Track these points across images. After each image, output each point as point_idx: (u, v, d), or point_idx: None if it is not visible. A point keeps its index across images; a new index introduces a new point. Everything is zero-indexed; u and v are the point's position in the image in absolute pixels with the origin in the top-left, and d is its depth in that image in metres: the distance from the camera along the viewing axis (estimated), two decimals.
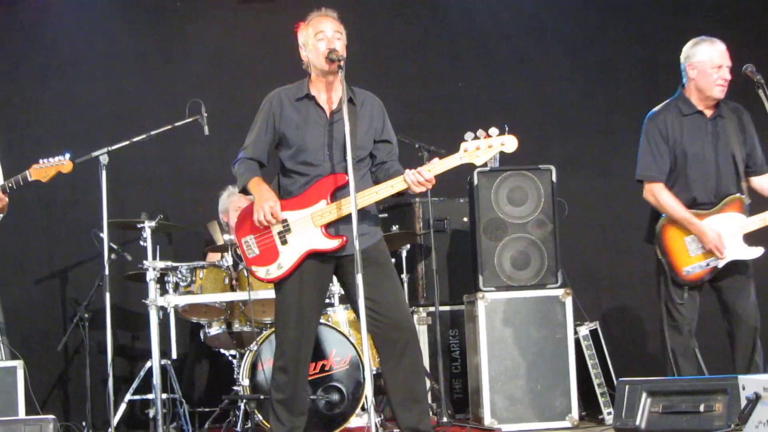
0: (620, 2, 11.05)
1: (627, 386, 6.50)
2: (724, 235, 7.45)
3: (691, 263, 7.54)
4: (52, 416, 5.88)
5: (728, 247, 7.45)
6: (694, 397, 6.22)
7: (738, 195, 7.56)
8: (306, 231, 6.78)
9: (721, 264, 7.48)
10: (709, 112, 7.67)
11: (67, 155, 7.47)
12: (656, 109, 7.84)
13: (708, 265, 7.50)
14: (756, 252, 7.50)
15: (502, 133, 6.57)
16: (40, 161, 7.38)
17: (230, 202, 9.23)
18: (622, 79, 10.76)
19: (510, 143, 6.60)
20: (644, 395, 6.38)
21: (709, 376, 7.33)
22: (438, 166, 6.60)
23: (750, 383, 5.37)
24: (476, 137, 6.54)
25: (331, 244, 6.74)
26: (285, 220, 6.79)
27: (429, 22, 10.88)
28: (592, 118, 10.81)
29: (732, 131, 7.61)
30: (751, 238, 7.43)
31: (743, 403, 5.42)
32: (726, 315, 7.68)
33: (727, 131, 7.63)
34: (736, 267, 7.54)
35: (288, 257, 6.82)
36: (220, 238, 9.11)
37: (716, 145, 7.62)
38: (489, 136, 6.55)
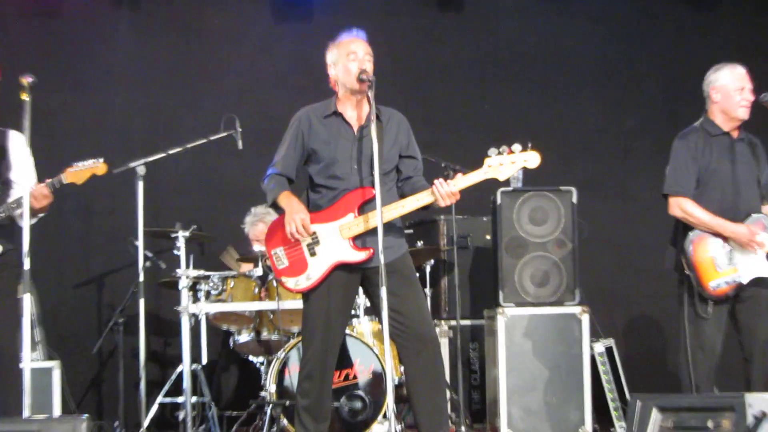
0: (641, 33, 11.10)
1: (639, 401, 6.52)
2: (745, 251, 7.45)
3: (717, 278, 7.45)
4: (85, 415, 5.91)
5: (749, 264, 7.43)
6: (702, 413, 6.22)
7: (762, 215, 7.52)
8: (334, 243, 6.79)
9: (745, 280, 7.41)
10: (735, 134, 7.66)
11: (101, 159, 7.29)
12: (685, 130, 7.77)
13: (734, 281, 7.42)
14: None
15: (524, 149, 6.65)
16: (74, 164, 7.22)
17: (257, 233, 9.31)
18: (641, 105, 10.81)
19: (532, 159, 6.65)
20: (655, 411, 6.37)
21: (718, 394, 7.37)
22: (463, 180, 6.66)
23: (756, 401, 5.40)
24: (500, 153, 6.62)
25: (358, 256, 6.75)
26: (314, 233, 6.79)
27: (457, 46, 10.94)
28: (612, 143, 10.86)
29: (754, 155, 7.63)
30: None
31: (749, 419, 5.45)
32: (742, 335, 7.60)
33: (751, 154, 7.64)
34: (758, 288, 7.48)
35: (317, 269, 6.82)
36: (235, 265, 9.20)
37: (742, 165, 7.58)
38: (512, 152, 6.63)
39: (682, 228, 7.62)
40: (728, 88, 7.57)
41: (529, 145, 6.63)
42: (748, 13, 11.20)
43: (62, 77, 10.14)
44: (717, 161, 7.56)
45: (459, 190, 6.63)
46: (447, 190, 6.57)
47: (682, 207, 7.57)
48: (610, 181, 10.47)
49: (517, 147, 6.62)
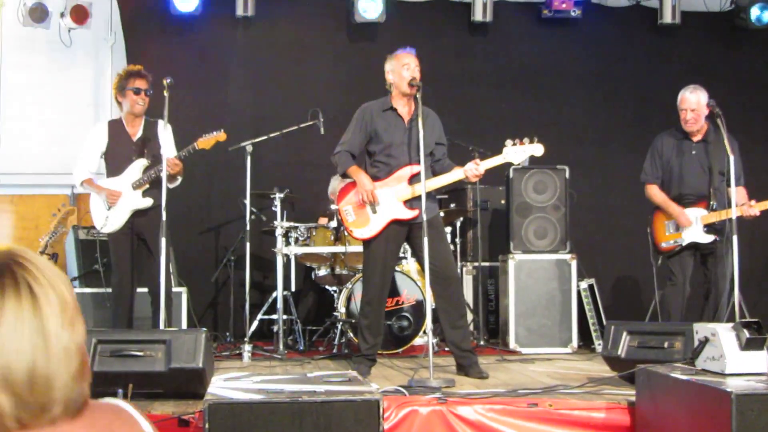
0: (619, 53, 10.95)
1: (612, 326, 6.45)
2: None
3: (665, 240, 7.68)
4: (204, 328, 5.89)
5: (689, 231, 7.59)
6: (660, 336, 6.18)
7: (706, 196, 7.62)
8: (391, 204, 6.90)
9: (684, 243, 7.61)
10: (696, 138, 7.74)
11: (222, 129, 7.57)
12: (660, 134, 7.98)
13: (675, 242, 7.62)
14: (709, 238, 7.58)
15: (531, 142, 6.81)
16: (203, 135, 7.48)
17: (336, 186, 9.20)
18: (619, 106, 10.68)
19: (538, 149, 6.84)
20: (625, 333, 6.33)
21: (671, 322, 7.32)
22: (488, 162, 6.82)
23: (701, 329, 5.28)
24: (514, 144, 6.77)
25: (410, 213, 6.88)
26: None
27: (482, 61, 10.83)
28: (596, 134, 10.72)
29: (713, 152, 7.58)
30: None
31: (696, 343, 5.35)
32: (705, 280, 7.75)
33: (708, 152, 7.65)
34: (714, 248, 7.59)
35: (378, 222, 6.93)
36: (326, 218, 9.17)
37: (697, 161, 7.69)
38: (523, 143, 6.79)
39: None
40: (679, 108, 7.74)
41: (535, 138, 6.79)
42: (700, 40, 11.04)
43: (191, 78, 10.06)
44: (679, 158, 7.72)
45: (484, 169, 6.76)
46: (475, 171, 6.73)
47: (649, 190, 7.86)
48: (594, 162, 10.35)
49: (526, 140, 6.78)
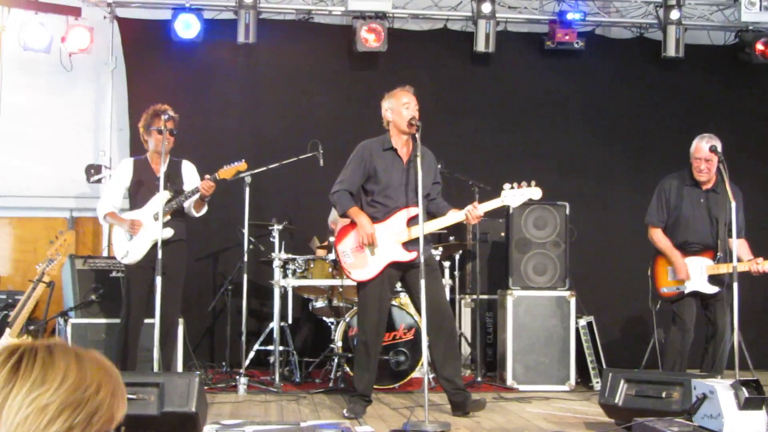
0: (619, 85, 10.92)
1: (610, 374, 6.41)
2: (693, 270, 7.52)
3: (667, 285, 7.64)
4: (197, 372, 5.86)
5: (694, 280, 7.52)
6: (658, 386, 6.14)
7: (712, 247, 7.58)
8: (390, 246, 6.92)
9: (686, 291, 7.55)
10: (705, 186, 7.66)
11: (243, 160, 7.78)
12: (669, 175, 7.89)
13: (678, 289, 7.59)
14: (713, 289, 7.53)
15: (529, 185, 6.74)
16: (225, 166, 7.67)
17: (337, 216, 9.16)
18: (621, 139, 10.59)
19: (536, 193, 6.76)
20: (622, 381, 6.29)
21: (670, 373, 7.27)
22: (486, 205, 6.77)
23: (699, 385, 5.24)
24: (512, 187, 6.72)
25: (409, 256, 6.88)
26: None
27: (485, 92, 10.76)
28: (597, 167, 10.63)
29: (720, 203, 7.50)
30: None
31: (693, 396, 5.31)
32: (709, 324, 7.66)
33: (717, 202, 7.57)
34: (719, 295, 7.53)
35: (376, 264, 6.96)
36: (316, 250, 9.16)
37: (705, 210, 7.63)
38: (521, 186, 6.73)
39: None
40: (692, 156, 7.60)
41: (533, 182, 6.70)
42: (704, 74, 10.98)
43: (193, 105, 10.00)
44: (687, 206, 7.65)
45: (482, 212, 6.75)
46: (475, 213, 6.71)
47: (652, 234, 7.78)
48: (595, 196, 10.27)
49: (524, 184, 6.71)
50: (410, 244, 6.85)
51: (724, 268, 7.40)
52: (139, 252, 7.52)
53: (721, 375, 7.26)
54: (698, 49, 10.85)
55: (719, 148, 7.43)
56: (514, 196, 6.72)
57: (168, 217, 7.55)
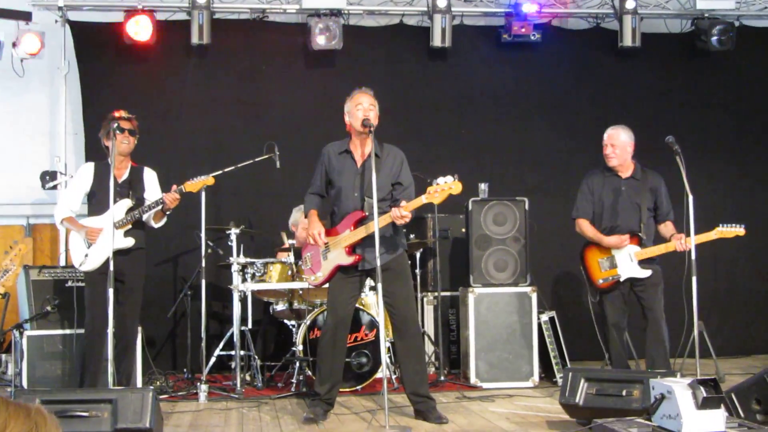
0: (579, 76, 10.88)
1: (570, 373, 6.37)
2: (623, 259, 7.72)
3: (602, 276, 7.78)
4: (151, 387, 5.76)
5: (625, 267, 7.72)
6: (618, 384, 6.10)
7: (637, 232, 7.74)
8: (337, 251, 6.91)
9: (621, 278, 7.71)
10: (624, 175, 7.89)
11: (211, 174, 7.59)
12: (590, 171, 8.13)
13: (613, 278, 7.73)
14: (646, 272, 7.68)
15: (455, 181, 6.56)
16: (192, 179, 7.48)
17: (298, 218, 9.05)
18: (579, 131, 10.52)
19: (456, 188, 6.58)
20: (583, 380, 6.25)
21: (631, 371, 7.25)
22: (410, 205, 6.68)
23: (657, 385, 5.19)
24: (437, 184, 6.57)
25: (350, 260, 6.88)
26: (326, 243, 6.92)
27: (442, 86, 10.66)
28: (557, 160, 10.59)
29: (642, 189, 7.78)
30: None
31: (652, 396, 5.26)
32: (643, 314, 7.74)
33: (637, 189, 7.81)
34: (645, 280, 7.68)
35: (325, 269, 7.01)
36: (286, 242, 8.95)
37: (626, 197, 7.81)
38: (446, 182, 6.56)
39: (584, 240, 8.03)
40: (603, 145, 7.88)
41: (455, 176, 6.58)
42: (661, 62, 10.95)
43: (148, 108, 9.83)
44: (608, 194, 7.85)
45: (409, 211, 6.65)
46: (399, 213, 6.61)
47: (580, 225, 8.04)
48: (555, 189, 10.20)
49: (449, 178, 6.57)
50: (356, 248, 6.86)
51: (648, 253, 7.64)
52: (98, 260, 7.34)
53: (665, 365, 7.43)
54: (655, 38, 10.81)
55: (625, 138, 7.83)
56: (437, 193, 6.56)
57: (129, 226, 7.44)
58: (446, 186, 6.53)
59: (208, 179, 7.53)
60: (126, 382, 7.42)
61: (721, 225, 7.57)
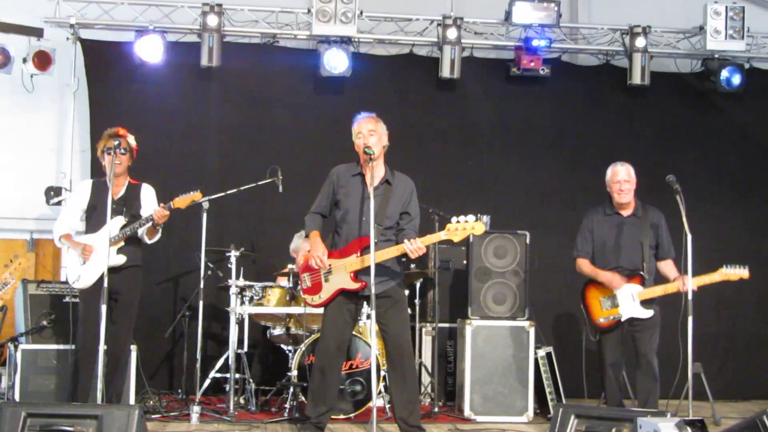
0: (586, 112, 10.91)
1: (561, 408, 6.29)
2: (624, 297, 7.66)
3: (603, 315, 7.73)
4: (138, 405, 5.73)
5: (627, 307, 7.66)
6: (608, 422, 6.02)
7: (640, 272, 7.69)
8: (341, 275, 6.85)
9: (623, 318, 7.66)
10: (626, 213, 7.87)
11: (198, 190, 7.53)
12: (590, 210, 8.12)
13: (614, 317, 7.68)
14: (648, 313, 7.63)
15: (477, 220, 6.61)
16: (180, 195, 7.43)
17: (299, 245, 9.04)
18: (584, 165, 10.50)
19: (478, 229, 6.65)
20: (573, 417, 6.17)
21: (622, 409, 7.19)
22: (427, 239, 6.70)
23: (645, 424, 5.14)
24: (458, 221, 6.59)
25: (354, 285, 6.82)
26: (330, 265, 6.87)
27: (450, 117, 10.71)
28: (563, 195, 10.60)
29: (644, 227, 7.75)
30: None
31: None
32: (636, 351, 7.72)
33: (639, 227, 7.78)
34: (643, 321, 7.64)
35: (327, 291, 6.94)
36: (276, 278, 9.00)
37: (628, 236, 7.78)
38: (467, 221, 6.59)
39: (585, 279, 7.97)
40: (608, 183, 7.89)
41: (479, 216, 6.63)
42: (670, 101, 10.96)
43: (155, 127, 9.97)
44: (609, 234, 7.82)
45: (424, 245, 6.66)
46: (414, 246, 6.60)
47: (580, 264, 8.03)
48: (559, 224, 10.10)
49: (471, 218, 6.60)
50: (361, 274, 6.77)
51: (650, 293, 7.61)
52: (91, 277, 7.33)
53: (657, 405, 7.49)
54: (664, 77, 10.83)
55: (633, 174, 7.83)
56: (457, 231, 6.59)
57: (122, 243, 7.43)
58: (468, 225, 6.56)
59: (196, 195, 7.50)
60: (117, 399, 7.39)
61: (725, 266, 7.52)
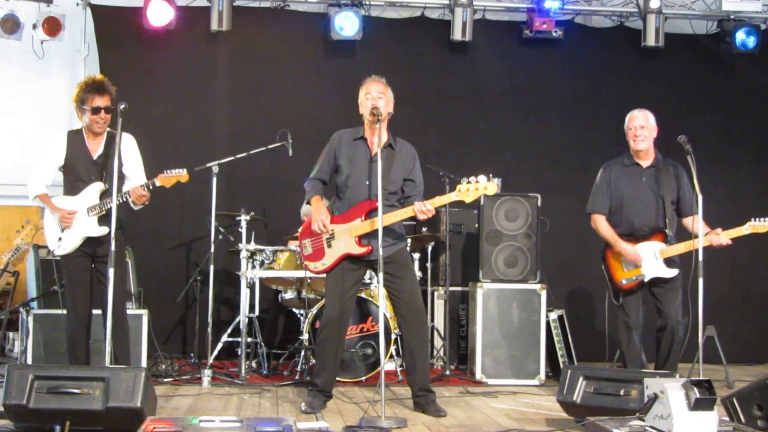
0: (600, 74, 10.81)
1: (569, 370, 6.29)
2: (646, 256, 7.38)
3: (626, 276, 7.47)
4: (144, 367, 5.73)
5: (650, 266, 7.38)
6: (616, 383, 6.02)
7: (662, 228, 7.43)
8: (345, 239, 6.78)
9: (646, 279, 7.40)
10: (645, 164, 7.56)
11: (185, 170, 7.00)
12: (607, 162, 7.81)
13: (637, 278, 7.42)
14: (672, 272, 7.38)
15: (488, 180, 6.50)
16: (165, 171, 6.94)
17: (309, 209, 9.00)
18: (597, 128, 10.47)
19: (491, 188, 6.53)
20: (581, 378, 6.17)
21: (628, 370, 7.13)
22: (438, 201, 6.62)
23: (652, 384, 5.10)
24: (468, 182, 6.49)
25: (360, 250, 6.75)
26: (332, 231, 6.80)
27: (463, 80, 10.63)
28: (575, 158, 10.49)
29: (665, 180, 7.45)
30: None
31: (645, 396, 5.19)
32: (658, 314, 7.45)
33: (660, 179, 7.47)
34: (665, 279, 7.37)
35: (330, 257, 6.85)
36: (288, 241, 8.95)
37: (648, 189, 7.50)
38: (478, 182, 6.48)
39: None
40: (626, 129, 7.61)
41: (490, 176, 6.46)
42: (684, 63, 10.84)
43: (165, 93, 10.01)
44: (629, 187, 7.54)
45: (434, 207, 6.56)
46: (424, 208, 6.49)
47: (596, 222, 7.71)
48: (571, 187, 10.00)
49: (482, 178, 6.49)
50: (366, 238, 6.72)
51: (675, 250, 7.33)
52: (71, 245, 7.00)
53: (676, 368, 7.27)
54: (679, 38, 10.72)
55: (652, 120, 7.55)
56: (469, 191, 6.48)
57: (103, 213, 6.94)
58: (480, 186, 6.47)
59: (183, 176, 6.99)
60: (125, 361, 7.22)
61: (753, 219, 7.24)
